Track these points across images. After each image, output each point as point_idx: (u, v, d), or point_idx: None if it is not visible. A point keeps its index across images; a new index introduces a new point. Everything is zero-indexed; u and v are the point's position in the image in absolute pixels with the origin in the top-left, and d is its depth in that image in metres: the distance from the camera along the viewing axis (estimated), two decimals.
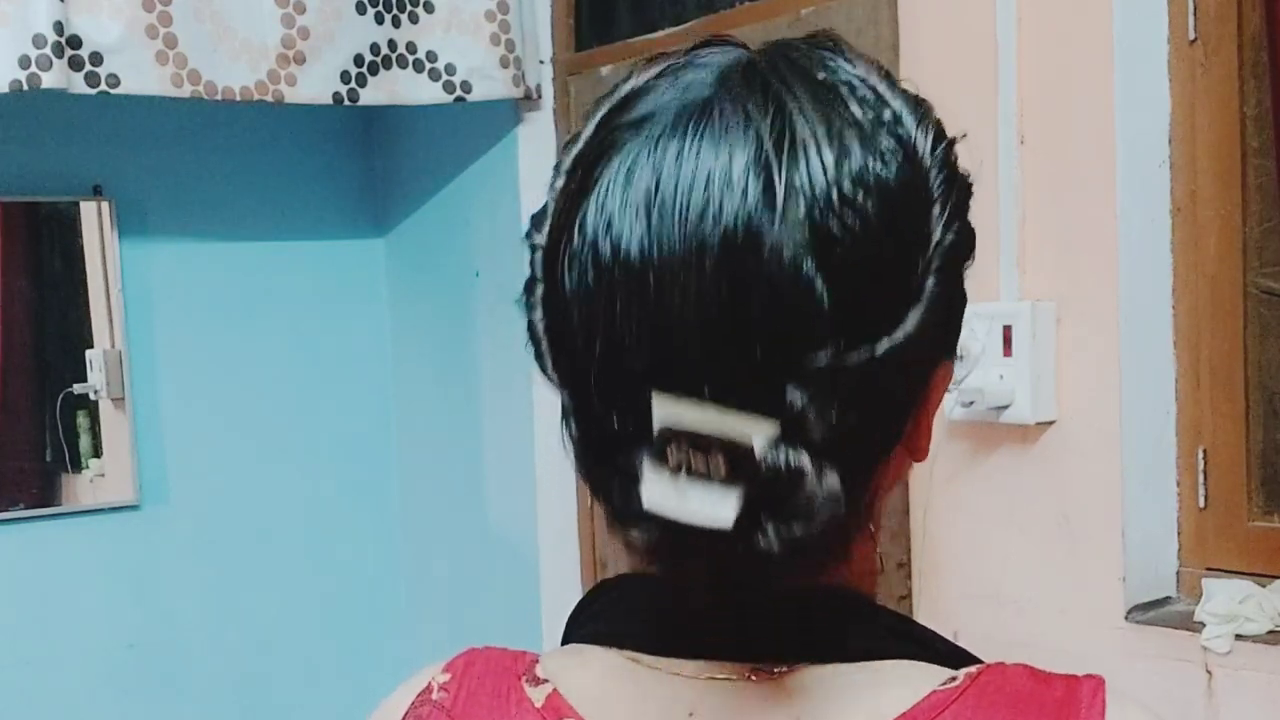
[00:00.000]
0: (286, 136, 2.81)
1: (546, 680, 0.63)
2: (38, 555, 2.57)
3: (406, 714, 0.66)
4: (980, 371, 1.70)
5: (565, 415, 0.60)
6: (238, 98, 2.21)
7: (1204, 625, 1.55)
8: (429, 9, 2.38)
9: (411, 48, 2.38)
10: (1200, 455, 1.66)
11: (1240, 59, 1.60)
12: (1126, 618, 1.63)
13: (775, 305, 0.53)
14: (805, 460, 0.53)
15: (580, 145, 0.60)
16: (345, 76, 2.31)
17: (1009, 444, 1.73)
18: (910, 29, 1.83)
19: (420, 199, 2.82)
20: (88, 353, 2.60)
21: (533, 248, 0.60)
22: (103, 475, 2.63)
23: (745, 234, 0.53)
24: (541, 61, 2.53)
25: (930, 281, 0.57)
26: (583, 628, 0.67)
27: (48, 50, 1.99)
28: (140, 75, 2.11)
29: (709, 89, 0.58)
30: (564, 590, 2.50)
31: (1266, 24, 1.58)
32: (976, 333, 1.71)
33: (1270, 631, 1.52)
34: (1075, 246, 1.66)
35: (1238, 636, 1.53)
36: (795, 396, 0.53)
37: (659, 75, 0.60)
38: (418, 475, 2.90)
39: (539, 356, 0.61)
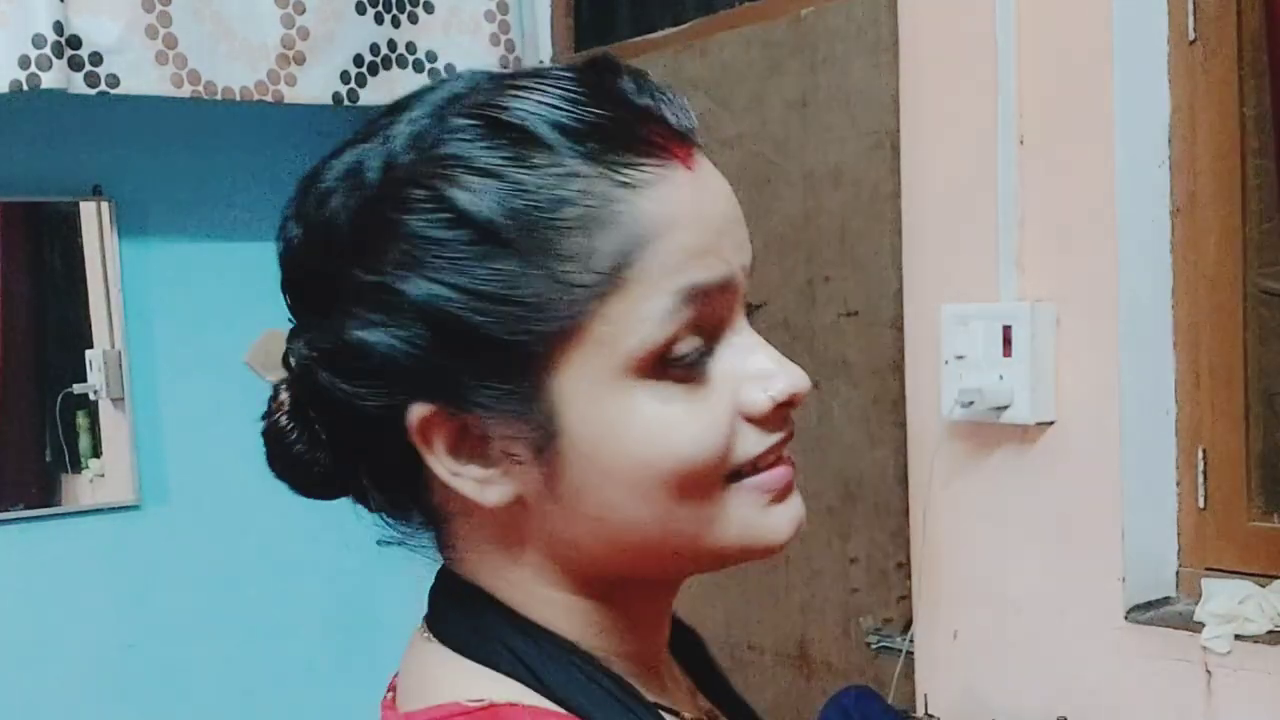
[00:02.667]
0: (286, 136, 2.81)
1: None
2: (38, 555, 2.56)
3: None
4: (980, 372, 1.70)
5: None
6: (238, 98, 2.21)
7: (1204, 625, 1.55)
8: (429, 9, 2.38)
9: (411, 48, 2.38)
10: (1200, 455, 1.66)
11: (1240, 59, 1.60)
12: (1126, 618, 1.63)
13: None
14: (284, 400, 0.67)
15: None
16: (345, 76, 2.31)
17: (1009, 444, 1.73)
18: (910, 29, 1.83)
19: None
20: (88, 353, 2.60)
21: None
22: (103, 475, 2.63)
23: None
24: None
25: (357, 294, 0.60)
26: None
27: (48, 50, 1.99)
28: (140, 75, 2.11)
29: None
30: None
31: (1266, 24, 1.58)
32: (975, 333, 1.71)
33: (1270, 632, 1.52)
34: (1075, 247, 1.66)
35: (1237, 637, 1.53)
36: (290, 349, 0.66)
37: None
38: None
39: None
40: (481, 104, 0.59)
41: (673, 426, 0.59)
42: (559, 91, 0.59)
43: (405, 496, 0.68)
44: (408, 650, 0.70)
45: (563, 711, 0.61)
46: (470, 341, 0.58)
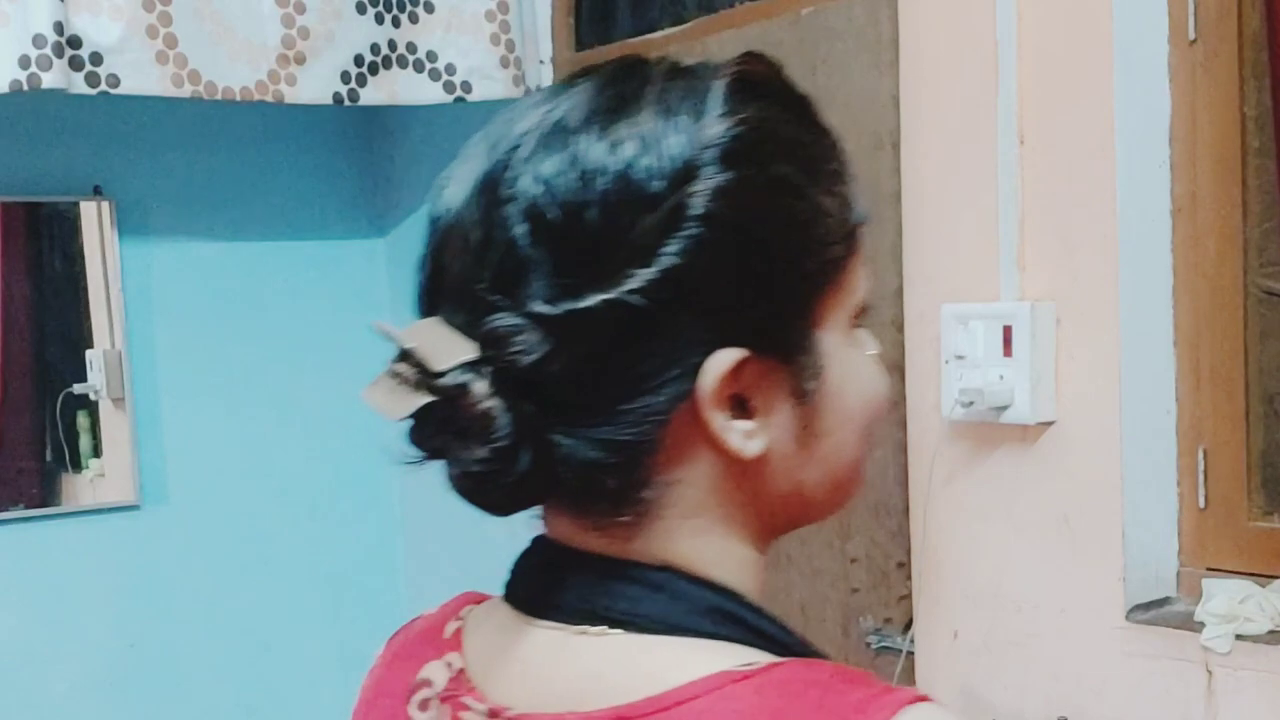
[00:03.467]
0: (286, 136, 2.82)
1: (462, 618, 0.73)
2: (38, 555, 2.57)
3: (393, 634, 0.80)
4: (980, 372, 1.70)
5: None
6: (238, 98, 2.22)
7: (1204, 625, 1.55)
8: (429, 9, 2.38)
9: (411, 48, 2.38)
10: (1200, 455, 1.66)
11: (1240, 59, 1.60)
12: (1127, 618, 1.63)
13: (497, 250, 0.61)
14: (484, 386, 0.60)
15: None
16: (345, 76, 2.31)
17: (1009, 444, 1.73)
18: (910, 29, 1.83)
19: (420, 199, 2.82)
20: (88, 353, 2.60)
21: None
22: (103, 475, 2.63)
23: (491, 187, 0.62)
24: (541, 61, 2.52)
25: (665, 256, 0.60)
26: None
27: (48, 50, 1.99)
28: (140, 75, 2.11)
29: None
30: None
31: (1266, 24, 1.58)
32: (976, 333, 1.71)
33: (1270, 631, 1.52)
34: (1075, 247, 1.66)
35: (1238, 636, 1.53)
36: (495, 328, 0.60)
37: None
38: (417, 474, 2.89)
39: None
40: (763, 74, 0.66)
41: (875, 370, 0.69)
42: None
43: (625, 479, 0.63)
44: (554, 655, 0.65)
45: (827, 661, 0.64)
46: (780, 277, 0.63)
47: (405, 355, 0.61)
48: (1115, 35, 1.60)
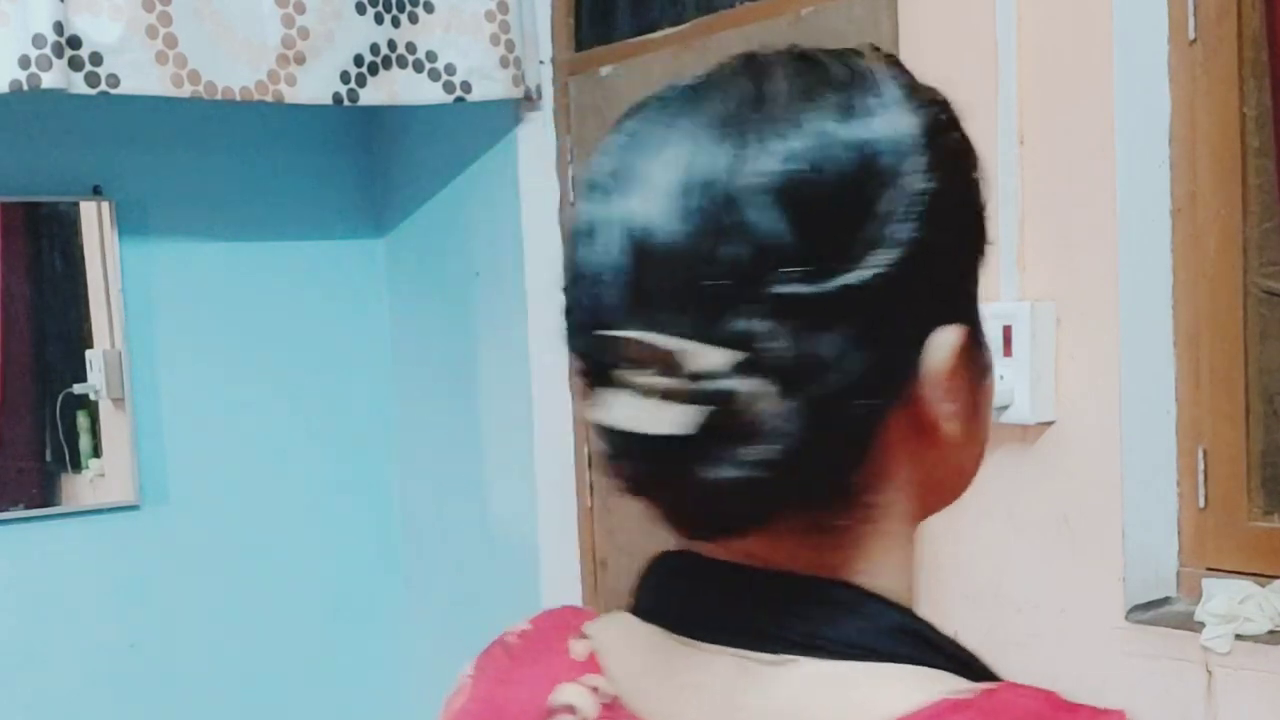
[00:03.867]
0: (286, 136, 2.82)
1: (589, 637, 0.67)
2: (38, 555, 2.57)
3: (481, 654, 0.73)
4: None
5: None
6: (238, 98, 2.21)
7: (1204, 625, 1.55)
8: (429, 9, 2.38)
9: (411, 48, 2.38)
10: (1200, 455, 1.66)
11: (1240, 59, 1.60)
12: (1126, 618, 1.63)
13: (730, 234, 0.56)
14: (753, 384, 0.55)
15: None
16: (345, 76, 2.31)
17: (1009, 444, 1.73)
18: (910, 29, 1.83)
19: (420, 199, 2.82)
20: (88, 353, 2.60)
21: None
22: (103, 475, 2.63)
23: (707, 170, 0.57)
24: (541, 62, 2.53)
25: (903, 229, 0.58)
26: (630, 597, 0.69)
27: (48, 50, 1.99)
28: (140, 75, 2.11)
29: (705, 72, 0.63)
30: (564, 589, 2.50)
31: (1266, 24, 1.58)
32: None
33: (1270, 631, 1.52)
34: (1075, 247, 1.66)
35: (1238, 636, 1.53)
36: (746, 324, 0.56)
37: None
38: (418, 475, 2.90)
39: (569, 331, 0.64)
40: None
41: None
42: None
43: (862, 476, 0.61)
44: (736, 683, 0.60)
45: (1040, 688, 0.61)
46: (976, 247, 0.66)
47: (639, 364, 0.56)
48: (1115, 35, 1.60)
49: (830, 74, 0.61)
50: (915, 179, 0.59)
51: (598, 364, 0.59)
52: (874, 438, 0.60)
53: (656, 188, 0.58)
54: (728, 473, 0.56)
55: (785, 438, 0.56)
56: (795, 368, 0.56)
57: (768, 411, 0.56)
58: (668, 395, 0.55)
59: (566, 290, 0.61)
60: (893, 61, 0.64)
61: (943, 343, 0.61)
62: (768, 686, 0.59)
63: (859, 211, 0.58)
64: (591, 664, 0.66)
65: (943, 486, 0.67)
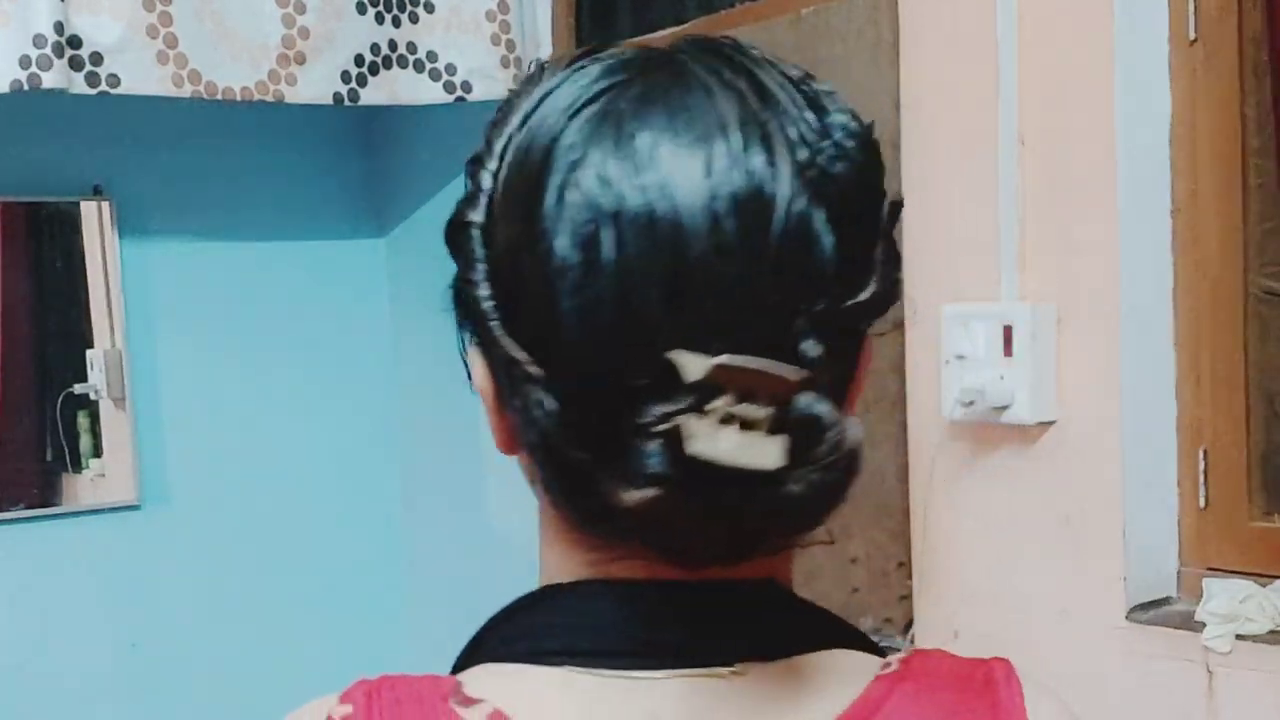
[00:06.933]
0: (286, 136, 2.81)
1: (482, 700, 0.59)
2: (38, 555, 2.57)
3: None
4: (980, 372, 1.70)
5: (533, 389, 0.58)
6: (238, 98, 2.22)
7: (1205, 625, 1.55)
8: (429, 9, 2.38)
9: (412, 48, 2.38)
10: (1201, 455, 1.66)
11: (1240, 59, 1.60)
12: (1127, 618, 1.63)
13: (787, 256, 0.54)
14: (827, 409, 0.54)
15: (524, 129, 0.58)
16: (345, 76, 2.31)
17: (1009, 444, 1.73)
18: (910, 29, 1.83)
19: (420, 199, 2.82)
20: (88, 353, 2.60)
21: (479, 227, 0.59)
22: (103, 475, 2.63)
23: (750, 187, 0.54)
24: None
25: (887, 228, 0.60)
26: (506, 646, 0.63)
27: (48, 50, 1.99)
28: (140, 75, 2.11)
29: (673, 55, 0.59)
30: None
31: (1266, 24, 1.58)
32: (976, 333, 1.71)
33: (1271, 631, 1.52)
34: (1075, 247, 1.65)
35: (1238, 636, 1.53)
36: (809, 345, 0.54)
37: (572, 71, 0.59)
38: (418, 475, 2.89)
39: (482, 326, 0.59)
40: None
41: None
42: None
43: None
44: (713, 708, 0.59)
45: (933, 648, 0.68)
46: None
47: (715, 394, 0.52)
48: (1115, 35, 1.60)
49: (787, 71, 0.60)
50: (882, 172, 0.60)
51: (636, 384, 0.53)
52: None
53: (683, 190, 0.54)
54: (810, 492, 0.55)
55: (856, 455, 0.56)
56: (839, 385, 0.57)
57: (835, 432, 0.55)
58: (751, 423, 0.52)
59: (567, 291, 0.54)
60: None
61: (868, 349, 0.62)
62: (720, 702, 0.58)
63: (875, 218, 0.58)
64: None
65: None
